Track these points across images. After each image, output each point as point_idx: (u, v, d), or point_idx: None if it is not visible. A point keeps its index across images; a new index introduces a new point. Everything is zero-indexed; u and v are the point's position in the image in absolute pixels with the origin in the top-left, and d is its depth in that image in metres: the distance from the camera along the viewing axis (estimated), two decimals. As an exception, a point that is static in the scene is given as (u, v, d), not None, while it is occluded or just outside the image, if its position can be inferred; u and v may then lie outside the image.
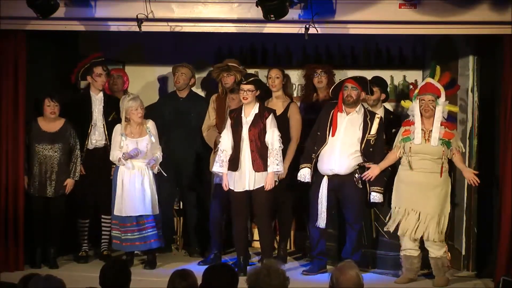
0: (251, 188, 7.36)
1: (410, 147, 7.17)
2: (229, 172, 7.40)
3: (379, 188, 7.31)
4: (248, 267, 7.28)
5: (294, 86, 8.87)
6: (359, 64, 8.82)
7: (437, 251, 7.18)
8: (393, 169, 7.46)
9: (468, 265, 7.74)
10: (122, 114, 7.65)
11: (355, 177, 7.32)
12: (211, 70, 8.71)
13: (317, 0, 6.99)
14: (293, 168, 7.61)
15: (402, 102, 7.58)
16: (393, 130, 7.65)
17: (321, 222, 7.34)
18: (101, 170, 7.91)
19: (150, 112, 8.03)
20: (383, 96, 7.97)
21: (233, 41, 8.72)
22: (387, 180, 7.44)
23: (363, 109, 7.44)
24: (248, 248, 7.88)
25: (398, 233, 7.22)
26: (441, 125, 7.16)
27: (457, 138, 7.29)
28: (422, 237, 7.20)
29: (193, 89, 8.56)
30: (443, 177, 7.16)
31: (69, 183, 7.74)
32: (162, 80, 9.09)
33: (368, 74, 7.85)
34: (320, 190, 7.34)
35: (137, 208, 7.53)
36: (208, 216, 8.07)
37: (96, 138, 7.95)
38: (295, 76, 8.78)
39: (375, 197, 7.31)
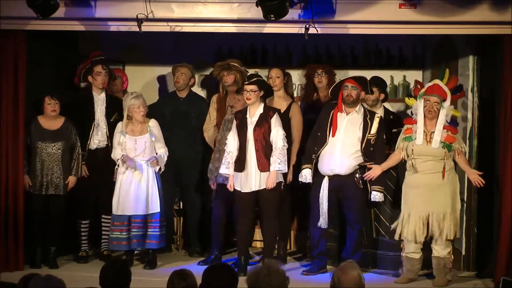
0: (257, 188, 7.36)
1: (412, 149, 7.16)
2: (235, 173, 7.40)
3: (379, 187, 7.31)
4: (248, 267, 7.28)
5: (294, 86, 8.87)
6: (359, 64, 8.82)
7: (441, 250, 7.16)
8: (398, 174, 7.45)
9: (468, 265, 7.74)
10: (124, 112, 7.65)
11: (356, 177, 7.32)
12: (211, 70, 8.73)
13: (317, 0, 6.99)
14: (294, 168, 7.62)
15: (406, 99, 7.58)
16: (394, 130, 7.65)
17: (322, 222, 7.34)
18: (102, 170, 7.91)
19: (150, 112, 8.03)
20: (382, 96, 7.97)
21: (233, 41, 8.72)
22: (394, 188, 7.44)
23: (362, 109, 7.44)
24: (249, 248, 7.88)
25: (407, 238, 7.16)
26: (443, 128, 7.15)
27: (460, 140, 7.28)
28: (425, 238, 7.19)
29: (193, 89, 8.56)
30: (449, 175, 7.15)
31: (71, 180, 7.75)
32: (162, 80, 9.09)
33: (368, 74, 7.85)
34: (321, 191, 7.34)
35: (131, 208, 7.53)
36: (208, 216, 8.08)
37: (99, 138, 7.95)
38: (295, 76, 8.78)
39: (376, 196, 7.31)
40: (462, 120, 7.80)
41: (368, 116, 7.39)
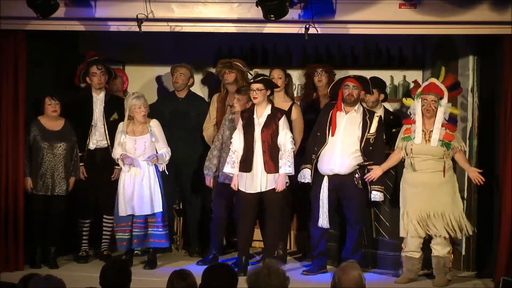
0: (263, 190, 7.36)
1: (411, 148, 7.16)
2: (240, 173, 7.39)
3: (379, 187, 7.30)
4: (248, 267, 7.28)
5: (294, 86, 8.87)
6: (359, 64, 8.82)
7: (441, 249, 7.17)
8: (396, 173, 7.45)
9: (468, 265, 7.74)
10: (126, 112, 7.65)
11: (355, 177, 7.32)
12: (210, 70, 8.75)
13: (317, 0, 6.99)
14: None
15: (404, 100, 7.58)
16: (393, 130, 7.65)
17: (323, 222, 7.34)
18: (102, 170, 7.91)
19: (149, 112, 8.02)
20: (382, 96, 7.98)
21: (233, 41, 8.72)
22: (392, 186, 7.44)
23: (362, 108, 7.45)
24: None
25: (408, 235, 7.17)
26: (442, 126, 7.16)
27: (459, 138, 7.29)
28: (424, 238, 7.19)
29: (195, 87, 8.56)
30: (449, 174, 7.15)
31: (72, 181, 7.77)
32: (161, 81, 9.09)
33: (368, 74, 7.85)
34: (321, 190, 7.34)
35: (135, 208, 7.53)
36: (208, 216, 8.07)
37: (97, 138, 7.95)
38: (295, 76, 8.78)
39: (376, 195, 7.31)
40: (462, 120, 7.80)
41: (367, 115, 7.39)
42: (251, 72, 8.19)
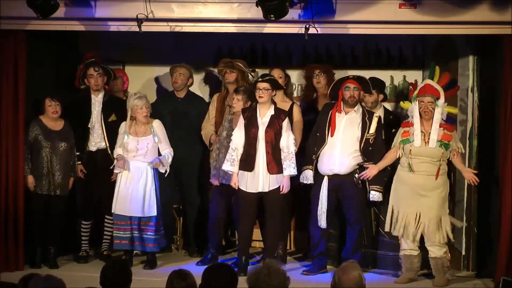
0: (265, 190, 7.36)
1: (410, 150, 7.17)
2: (241, 171, 7.39)
3: (378, 187, 7.31)
4: (248, 267, 7.28)
5: (294, 86, 8.87)
6: (359, 64, 8.82)
7: (437, 251, 7.18)
8: (393, 169, 7.46)
9: (468, 265, 7.74)
10: (128, 112, 7.65)
11: (355, 177, 7.33)
12: (211, 70, 8.74)
13: (317, 0, 6.99)
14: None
15: (401, 103, 7.58)
16: (393, 130, 7.65)
17: (322, 222, 7.34)
18: (103, 171, 7.89)
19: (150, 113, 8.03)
20: (381, 96, 7.98)
21: (233, 41, 8.71)
22: (387, 180, 7.45)
23: (361, 109, 7.45)
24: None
25: (398, 234, 7.22)
26: (440, 126, 7.16)
27: (457, 139, 7.29)
28: (422, 237, 7.20)
29: (196, 86, 8.56)
30: (443, 179, 7.17)
31: (71, 181, 7.79)
32: (159, 81, 9.09)
33: (368, 74, 7.86)
34: (321, 191, 7.34)
35: (128, 209, 7.53)
36: (208, 216, 8.07)
37: (95, 140, 7.95)
38: (295, 76, 8.78)
39: (374, 196, 7.31)
40: (462, 120, 7.80)
41: (367, 116, 7.40)
42: (252, 73, 8.18)
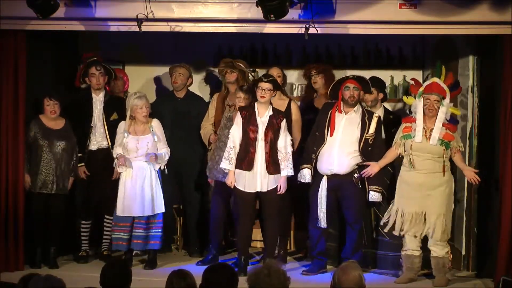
0: (264, 190, 7.36)
1: (411, 145, 7.17)
2: (239, 171, 7.39)
3: (378, 187, 7.31)
4: (248, 267, 7.29)
5: (294, 86, 8.88)
6: (359, 64, 8.83)
7: (440, 250, 7.17)
8: (394, 170, 7.46)
9: (468, 265, 7.74)
10: (127, 112, 7.65)
11: (354, 177, 7.32)
12: (211, 69, 8.74)
13: (317, 0, 6.99)
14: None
15: (405, 98, 7.58)
16: (393, 130, 7.64)
17: (322, 222, 7.34)
18: (104, 171, 7.89)
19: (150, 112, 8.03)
20: (381, 95, 7.97)
21: (233, 41, 8.72)
22: (388, 182, 7.44)
23: (361, 109, 7.45)
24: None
25: (401, 233, 7.20)
26: (442, 126, 7.16)
27: (458, 138, 7.29)
28: (424, 237, 7.20)
29: (196, 86, 8.56)
30: (447, 175, 7.17)
31: (70, 181, 7.79)
32: (159, 81, 9.09)
33: (368, 74, 7.85)
34: (320, 190, 7.34)
35: (137, 209, 7.53)
36: (208, 216, 8.06)
37: (97, 139, 7.95)
38: (295, 76, 8.78)
39: (374, 196, 7.31)
40: (462, 120, 7.80)
41: (367, 116, 7.40)
42: (252, 73, 8.18)
